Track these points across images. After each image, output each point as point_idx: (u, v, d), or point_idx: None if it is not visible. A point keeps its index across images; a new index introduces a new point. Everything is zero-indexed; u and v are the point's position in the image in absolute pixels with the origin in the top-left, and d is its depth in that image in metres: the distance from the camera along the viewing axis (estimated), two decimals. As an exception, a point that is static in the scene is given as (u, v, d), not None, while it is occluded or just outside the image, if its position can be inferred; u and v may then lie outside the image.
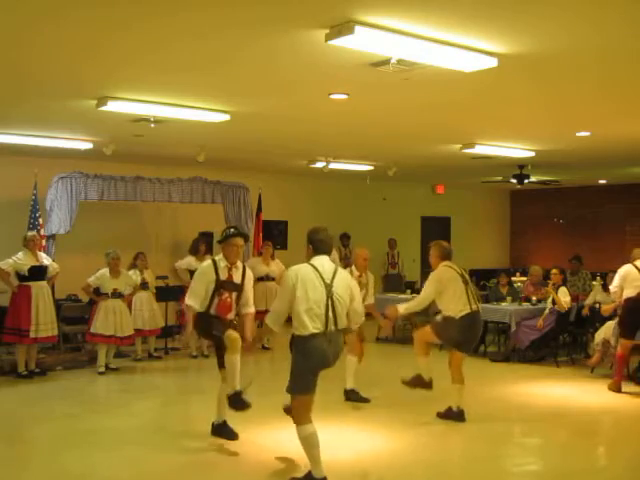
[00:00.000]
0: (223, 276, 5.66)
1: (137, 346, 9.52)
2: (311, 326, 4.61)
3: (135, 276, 9.36)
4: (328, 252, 4.89)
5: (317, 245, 4.83)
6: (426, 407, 6.73)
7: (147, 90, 6.26)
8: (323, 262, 4.79)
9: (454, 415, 6.41)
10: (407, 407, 6.87)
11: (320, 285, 4.66)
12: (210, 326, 5.65)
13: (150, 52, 5.04)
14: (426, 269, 15.42)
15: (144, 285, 9.44)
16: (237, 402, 5.51)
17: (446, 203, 16.38)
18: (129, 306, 9.18)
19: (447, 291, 6.36)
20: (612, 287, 8.13)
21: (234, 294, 5.72)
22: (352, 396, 7.08)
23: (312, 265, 4.75)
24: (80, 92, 6.31)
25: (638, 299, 7.73)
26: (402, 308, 6.53)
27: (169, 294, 10.13)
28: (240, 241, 5.72)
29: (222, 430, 5.79)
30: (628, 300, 7.83)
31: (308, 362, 4.68)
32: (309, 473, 4.73)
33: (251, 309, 5.89)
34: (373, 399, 7.10)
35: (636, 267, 7.89)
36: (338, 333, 4.76)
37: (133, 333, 9.01)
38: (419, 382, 6.59)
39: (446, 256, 6.53)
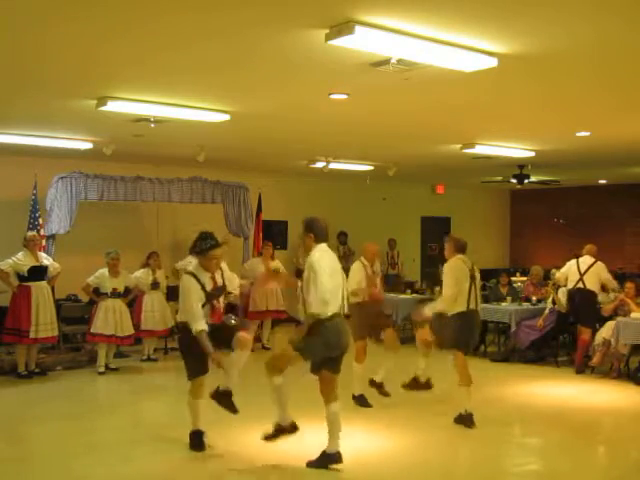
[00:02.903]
0: (209, 287, 5.44)
1: (144, 346, 9.50)
2: (333, 307, 4.90)
3: (147, 275, 9.37)
4: (326, 240, 5.10)
5: (318, 233, 5.03)
6: (426, 408, 6.74)
7: (147, 90, 6.26)
8: (328, 249, 5.07)
9: (464, 420, 6.22)
10: (407, 408, 6.86)
11: (339, 269, 5.06)
12: (200, 346, 5.30)
13: (150, 54, 5.04)
14: (426, 269, 15.54)
15: (155, 285, 9.43)
16: (226, 399, 5.53)
17: (446, 203, 16.36)
18: (139, 306, 9.19)
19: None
20: (558, 273, 9.45)
21: (221, 297, 5.61)
22: (361, 401, 6.98)
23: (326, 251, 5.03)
24: (80, 92, 6.31)
25: (572, 292, 8.96)
26: (428, 310, 6.50)
27: (170, 294, 10.10)
28: (219, 252, 5.49)
29: (194, 438, 5.59)
30: (568, 292, 9.09)
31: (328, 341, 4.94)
32: (323, 452, 5.04)
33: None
34: (373, 400, 7.09)
35: (577, 263, 9.06)
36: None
37: (133, 333, 9.01)
38: (416, 385, 6.76)
39: (460, 249, 6.62)
